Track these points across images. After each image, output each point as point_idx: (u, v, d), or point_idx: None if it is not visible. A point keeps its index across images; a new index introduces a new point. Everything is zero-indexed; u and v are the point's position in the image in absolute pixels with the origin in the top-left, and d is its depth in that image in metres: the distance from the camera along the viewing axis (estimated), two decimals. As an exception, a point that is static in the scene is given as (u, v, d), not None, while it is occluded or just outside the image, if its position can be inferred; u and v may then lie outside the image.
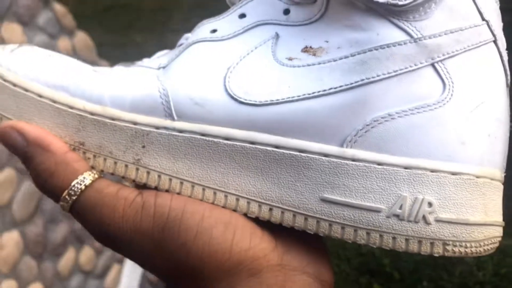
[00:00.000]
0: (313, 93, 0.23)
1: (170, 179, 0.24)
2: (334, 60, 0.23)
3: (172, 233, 0.22)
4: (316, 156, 0.23)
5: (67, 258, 1.34)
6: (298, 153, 0.23)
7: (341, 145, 0.23)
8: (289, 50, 0.25)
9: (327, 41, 0.24)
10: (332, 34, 0.24)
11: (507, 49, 0.25)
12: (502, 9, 0.25)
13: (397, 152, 0.22)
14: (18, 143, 0.24)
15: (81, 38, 1.41)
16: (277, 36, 0.25)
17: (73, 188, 0.23)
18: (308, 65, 0.24)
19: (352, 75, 0.23)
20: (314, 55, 0.24)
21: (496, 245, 0.23)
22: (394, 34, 0.23)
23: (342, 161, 0.22)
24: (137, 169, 0.25)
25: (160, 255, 0.22)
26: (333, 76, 0.23)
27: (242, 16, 0.26)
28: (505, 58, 0.24)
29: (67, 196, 0.23)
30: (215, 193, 0.24)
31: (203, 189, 0.24)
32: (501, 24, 0.24)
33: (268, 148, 0.23)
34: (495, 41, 0.24)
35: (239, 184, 0.24)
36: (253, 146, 0.23)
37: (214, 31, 0.27)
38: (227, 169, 0.24)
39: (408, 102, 0.22)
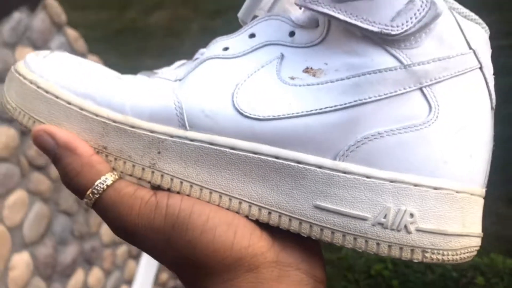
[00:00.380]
0: (311, 110, 0.25)
1: (181, 182, 0.27)
2: (331, 82, 0.25)
3: (180, 231, 0.25)
4: (312, 168, 0.25)
5: (76, 279, 1.34)
6: (295, 164, 0.25)
7: (334, 159, 0.25)
8: (292, 70, 0.27)
9: (326, 64, 0.26)
10: (331, 57, 0.26)
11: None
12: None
13: (384, 166, 0.24)
14: (49, 145, 0.27)
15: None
16: (282, 56, 0.27)
17: (96, 187, 0.26)
18: (308, 85, 0.26)
19: (347, 96, 0.24)
20: (314, 75, 0.26)
21: (474, 253, 0.25)
22: (386, 60, 0.24)
23: (335, 173, 0.24)
24: (153, 172, 0.27)
25: (170, 250, 0.25)
26: (330, 96, 0.25)
27: (252, 36, 0.28)
28: (491, 83, 0.25)
29: (90, 194, 0.26)
30: (220, 196, 0.26)
31: (210, 192, 0.26)
32: (490, 51, 0.26)
33: (269, 158, 0.25)
34: (481, 68, 0.25)
35: (242, 189, 0.26)
36: (256, 156, 0.26)
37: (226, 48, 0.29)
38: (232, 175, 0.26)
39: (396, 122, 0.24)
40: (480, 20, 0.26)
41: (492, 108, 0.26)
